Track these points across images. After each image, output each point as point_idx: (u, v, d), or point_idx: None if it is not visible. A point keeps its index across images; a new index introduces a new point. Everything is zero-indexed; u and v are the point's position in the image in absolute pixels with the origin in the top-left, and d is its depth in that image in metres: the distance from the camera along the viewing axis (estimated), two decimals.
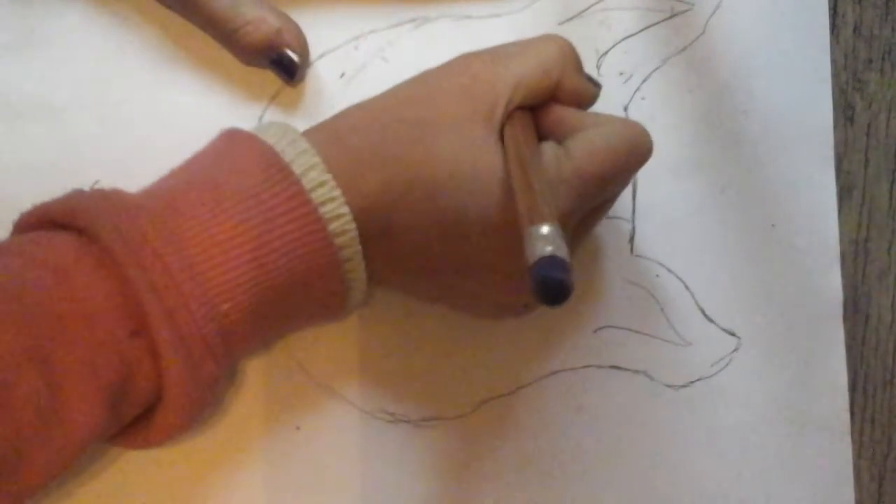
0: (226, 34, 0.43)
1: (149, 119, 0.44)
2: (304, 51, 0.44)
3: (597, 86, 0.42)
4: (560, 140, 0.39)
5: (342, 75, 0.45)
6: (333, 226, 0.36)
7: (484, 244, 0.38)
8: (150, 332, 0.34)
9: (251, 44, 0.43)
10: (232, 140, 0.38)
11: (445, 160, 0.37)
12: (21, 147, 0.44)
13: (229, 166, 0.37)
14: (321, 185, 0.36)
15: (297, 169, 0.36)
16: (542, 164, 0.37)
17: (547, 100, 0.40)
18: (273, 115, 0.45)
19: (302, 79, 0.45)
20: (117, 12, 0.45)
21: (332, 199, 0.36)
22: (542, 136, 0.40)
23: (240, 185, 0.36)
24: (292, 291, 0.37)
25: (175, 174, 0.38)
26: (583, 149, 0.38)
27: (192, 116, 0.44)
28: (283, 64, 0.43)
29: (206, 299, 0.34)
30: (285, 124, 0.39)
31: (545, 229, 0.32)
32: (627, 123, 0.40)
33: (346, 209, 0.36)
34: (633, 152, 0.39)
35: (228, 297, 0.35)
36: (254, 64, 0.44)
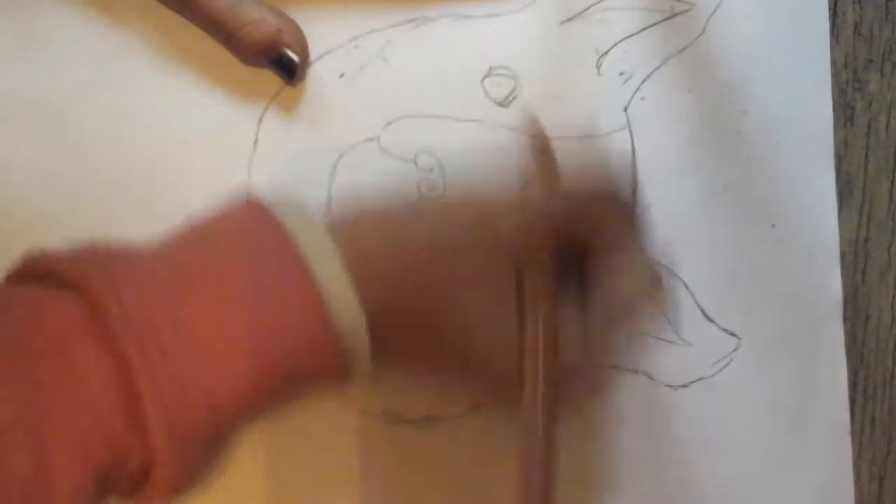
0: (226, 34, 0.43)
1: (149, 119, 0.44)
2: (304, 51, 0.44)
3: (630, 208, 0.42)
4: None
5: (342, 75, 0.45)
6: (344, 332, 0.36)
7: (480, 380, 0.38)
8: (144, 418, 0.33)
9: (251, 44, 0.43)
10: (256, 221, 0.37)
11: (455, 303, 0.37)
12: (21, 147, 0.44)
13: (244, 245, 0.36)
14: (342, 291, 0.36)
15: (318, 273, 0.35)
16: (557, 326, 0.37)
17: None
18: (273, 115, 0.45)
19: (302, 78, 0.45)
20: (117, 12, 0.45)
21: (348, 309, 0.36)
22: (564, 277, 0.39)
23: (256, 276, 0.35)
24: (290, 380, 0.36)
25: (189, 236, 0.37)
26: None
27: (192, 116, 0.44)
28: (283, 64, 0.43)
29: (204, 385, 0.34)
30: (311, 214, 0.38)
31: None
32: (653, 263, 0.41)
33: (362, 321, 0.36)
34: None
35: (225, 385, 0.34)
36: (254, 64, 0.44)
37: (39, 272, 0.35)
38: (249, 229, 0.36)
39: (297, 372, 0.36)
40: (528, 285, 0.38)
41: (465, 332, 0.37)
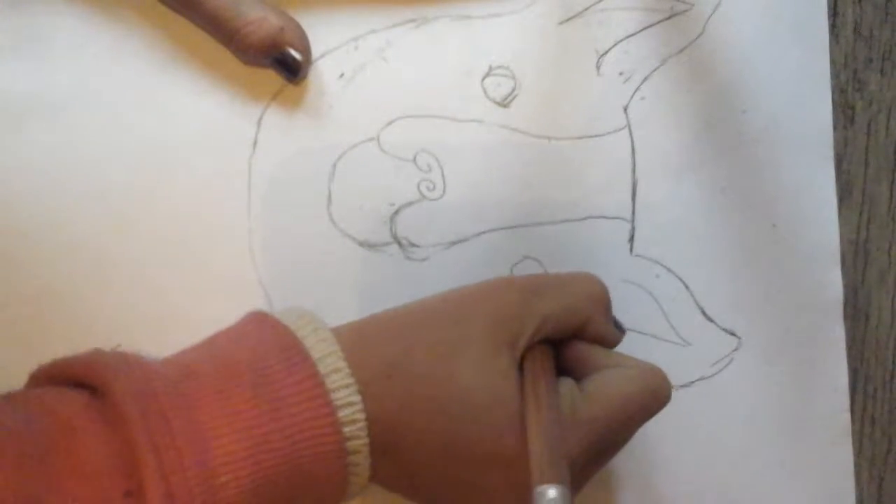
0: (228, 34, 0.43)
1: (149, 119, 0.44)
2: (306, 49, 0.44)
3: (621, 331, 0.42)
4: (579, 377, 0.40)
5: (342, 75, 0.45)
6: (349, 435, 0.36)
7: (488, 473, 0.38)
8: (144, 493, 0.33)
9: (254, 43, 0.43)
10: (260, 323, 0.38)
11: (464, 386, 0.37)
12: (21, 147, 0.44)
13: (250, 346, 0.37)
14: (345, 386, 0.36)
15: (322, 369, 0.36)
16: (558, 405, 0.37)
17: (571, 335, 0.40)
18: (273, 115, 0.45)
19: (304, 77, 0.45)
20: (117, 12, 0.45)
21: (351, 405, 0.36)
22: (561, 370, 0.40)
23: (256, 365, 0.36)
24: (291, 479, 0.36)
25: (196, 348, 0.38)
26: (599, 392, 0.38)
27: (192, 116, 0.44)
28: (286, 63, 0.43)
29: (205, 468, 0.34)
30: (318, 319, 0.38)
31: (552, 492, 0.33)
32: (647, 369, 0.40)
33: (362, 415, 0.36)
34: (650, 400, 0.39)
35: (228, 470, 0.34)
36: (255, 64, 0.44)
37: (56, 374, 0.36)
38: (254, 332, 0.37)
39: (297, 465, 0.35)
40: (528, 368, 0.38)
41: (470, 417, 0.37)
